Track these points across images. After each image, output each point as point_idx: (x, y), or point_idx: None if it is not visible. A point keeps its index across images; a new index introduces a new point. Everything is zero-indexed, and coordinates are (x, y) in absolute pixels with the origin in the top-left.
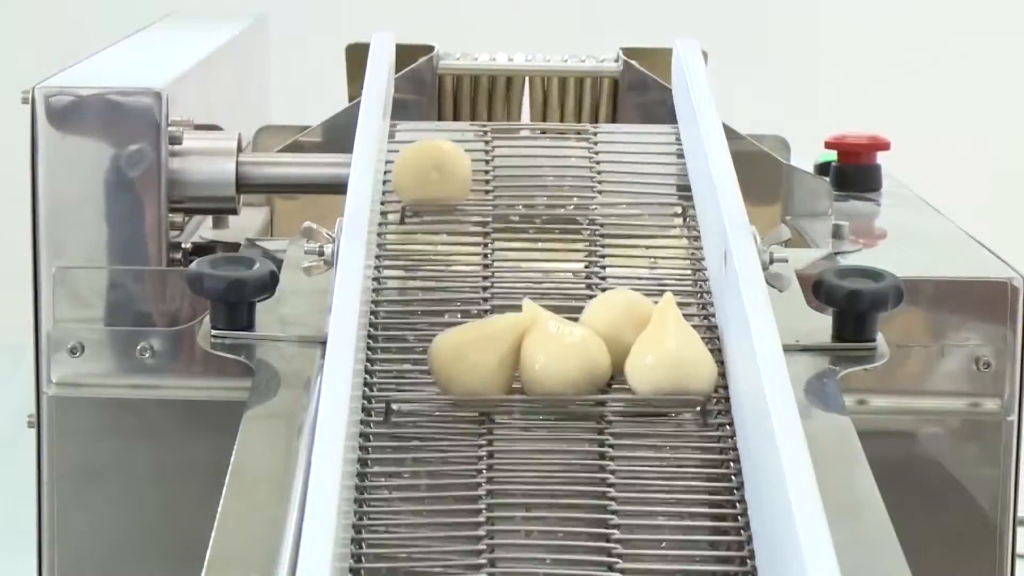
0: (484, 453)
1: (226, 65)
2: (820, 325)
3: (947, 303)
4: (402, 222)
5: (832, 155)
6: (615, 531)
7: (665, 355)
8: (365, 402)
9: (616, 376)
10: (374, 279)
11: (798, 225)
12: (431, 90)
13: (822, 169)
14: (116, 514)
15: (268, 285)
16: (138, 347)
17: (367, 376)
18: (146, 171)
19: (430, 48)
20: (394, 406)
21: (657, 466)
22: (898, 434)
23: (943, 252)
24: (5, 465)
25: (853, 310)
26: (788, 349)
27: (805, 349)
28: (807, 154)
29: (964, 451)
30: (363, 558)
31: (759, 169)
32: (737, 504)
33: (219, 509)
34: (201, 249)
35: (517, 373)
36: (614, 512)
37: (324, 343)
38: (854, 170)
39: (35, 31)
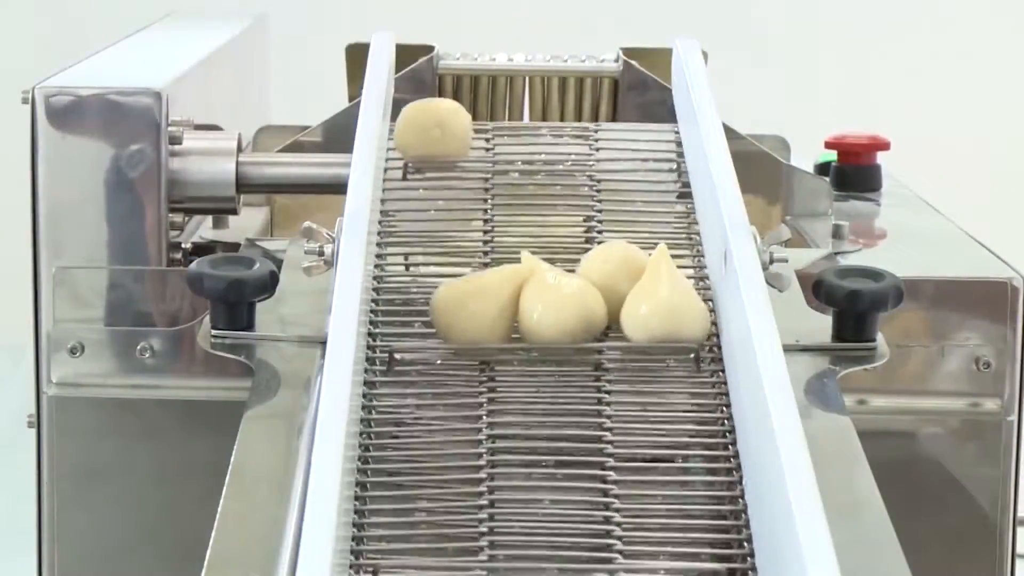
0: (485, 400)
1: (226, 65)
2: (820, 325)
3: (947, 303)
4: (404, 178)
5: (832, 155)
6: (611, 472)
7: (659, 304)
8: (369, 352)
9: (612, 325)
10: (378, 244)
11: (798, 225)
12: (431, 90)
13: (822, 169)
14: (116, 514)
15: (268, 285)
16: (138, 347)
17: (371, 327)
18: (146, 171)
19: (430, 48)
20: (397, 355)
21: (652, 411)
22: (898, 434)
23: (943, 252)
24: (5, 465)
25: (853, 310)
26: (788, 349)
27: (805, 349)
28: (807, 154)
29: (964, 451)
30: (368, 486)
31: (759, 169)
32: (729, 447)
33: (219, 509)
34: (201, 249)
35: (516, 323)
36: (611, 455)
37: (324, 343)
38: (854, 170)
39: (35, 31)
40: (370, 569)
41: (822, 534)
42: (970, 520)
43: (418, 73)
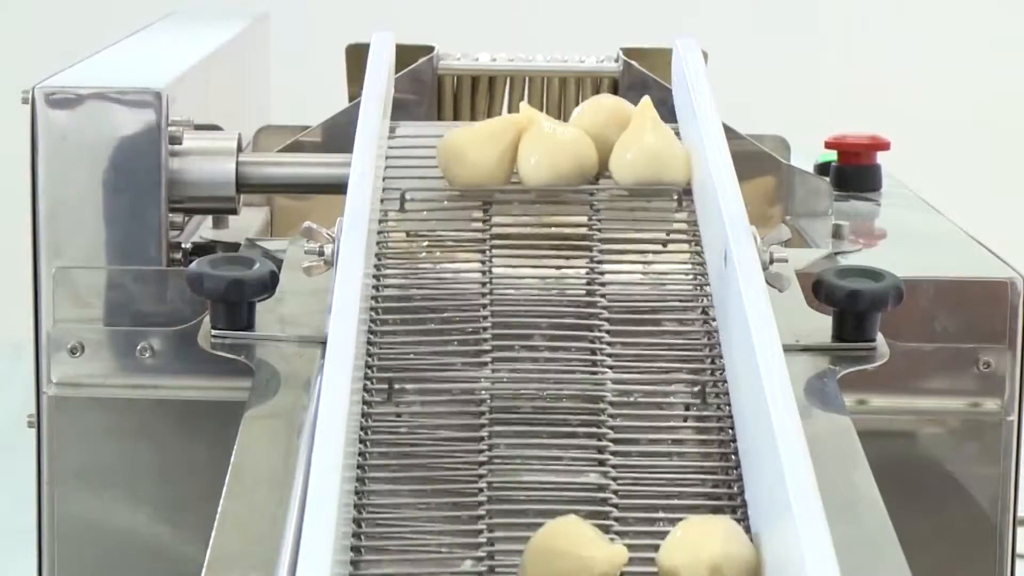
0: (488, 236)
1: (226, 65)
2: (820, 325)
3: (947, 303)
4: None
5: (832, 155)
6: (601, 287)
7: (643, 150)
8: (384, 193)
9: (603, 171)
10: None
11: (798, 225)
12: (431, 90)
13: (822, 169)
14: (116, 514)
15: (268, 285)
16: (138, 347)
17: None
18: (146, 171)
19: (430, 48)
20: (408, 195)
21: (638, 244)
22: (898, 434)
23: (943, 252)
24: (5, 465)
25: (853, 310)
26: (788, 349)
27: (805, 349)
28: (807, 154)
29: (964, 451)
30: (378, 322)
31: (759, 169)
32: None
33: (219, 509)
34: (201, 249)
35: (516, 169)
36: (601, 275)
37: (324, 343)
38: (854, 170)
39: (35, 31)
40: (384, 381)
41: (822, 534)
42: (970, 520)
43: (418, 73)
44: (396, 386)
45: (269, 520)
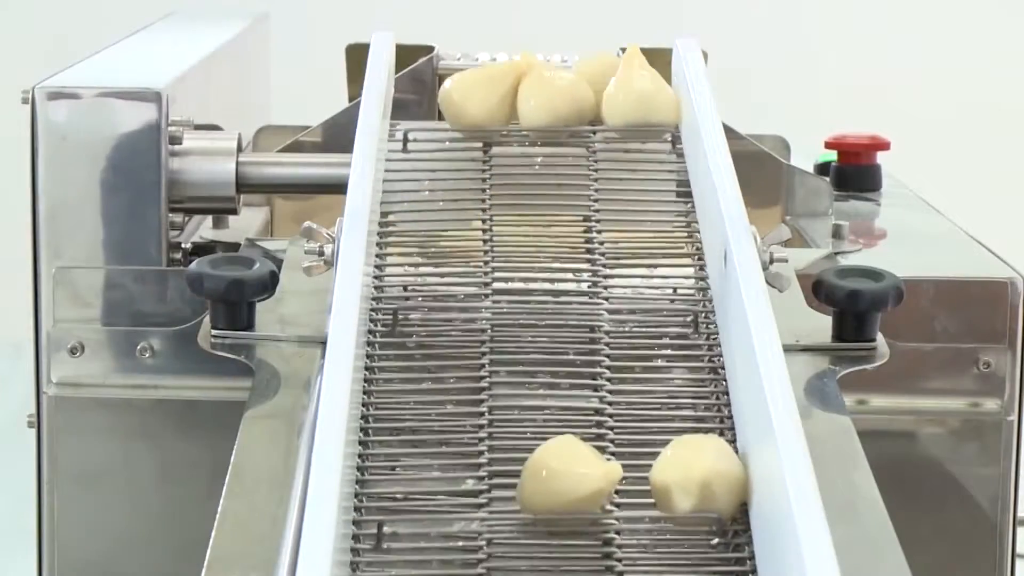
0: (488, 175)
1: (226, 65)
2: (820, 325)
3: (947, 303)
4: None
5: (832, 155)
6: (596, 223)
7: (632, 93)
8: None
9: (599, 116)
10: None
11: (798, 225)
12: (431, 90)
13: (822, 169)
14: (116, 514)
15: (268, 285)
16: (138, 347)
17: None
18: (146, 171)
19: (430, 48)
20: (410, 136)
21: (635, 183)
22: (898, 434)
23: (943, 252)
24: (5, 465)
25: (853, 310)
26: (788, 349)
27: (805, 349)
28: (807, 154)
29: (964, 451)
30: (388, 246)
31: (759, 169)
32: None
33: (219, 509)
34: (201, 249)
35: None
36: (596, 211)
37: (324, 343)
38: (854, 170)
39: (35, 31)
40: (387, 322)
41: (822, 534)
42: (970, 520)
43: (418, 73)
44: (400, 316)
45: (269, 520)
